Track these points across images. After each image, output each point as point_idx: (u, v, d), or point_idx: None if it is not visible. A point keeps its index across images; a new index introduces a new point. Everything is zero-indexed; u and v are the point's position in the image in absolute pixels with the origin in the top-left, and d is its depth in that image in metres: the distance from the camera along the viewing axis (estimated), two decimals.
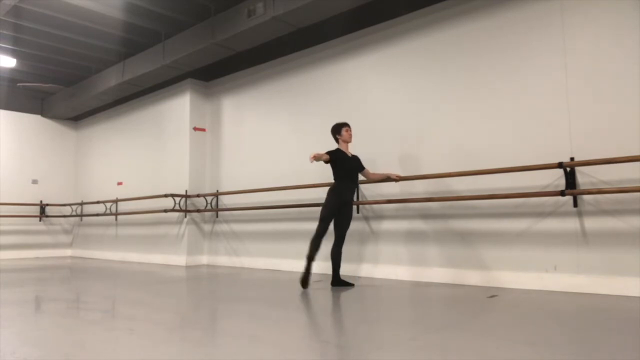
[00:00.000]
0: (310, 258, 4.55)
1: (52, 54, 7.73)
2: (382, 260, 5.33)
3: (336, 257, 4.70)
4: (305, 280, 4.54)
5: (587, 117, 4.07)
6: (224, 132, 7.67)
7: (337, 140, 4.87)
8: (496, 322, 3.03)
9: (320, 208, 4.76)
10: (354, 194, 4.90)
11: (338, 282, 4.68)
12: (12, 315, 3.43)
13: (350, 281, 4.80)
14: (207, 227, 7.72)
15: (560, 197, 4.11)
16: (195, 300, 4.37)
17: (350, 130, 4.86)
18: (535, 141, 4.32)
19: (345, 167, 4.74)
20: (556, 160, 4.08)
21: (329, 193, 4.70)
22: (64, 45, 7.37)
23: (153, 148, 8.45)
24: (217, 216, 7.55)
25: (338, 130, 4.86)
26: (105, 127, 9.82)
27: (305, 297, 4.23)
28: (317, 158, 4.50)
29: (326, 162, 4.67)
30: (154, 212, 7.82)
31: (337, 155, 4.71)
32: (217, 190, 7.56)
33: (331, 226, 4.69)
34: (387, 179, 5.00)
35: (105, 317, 3.50)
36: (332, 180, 4.81)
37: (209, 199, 7.53)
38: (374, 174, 5.01)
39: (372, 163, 5.20)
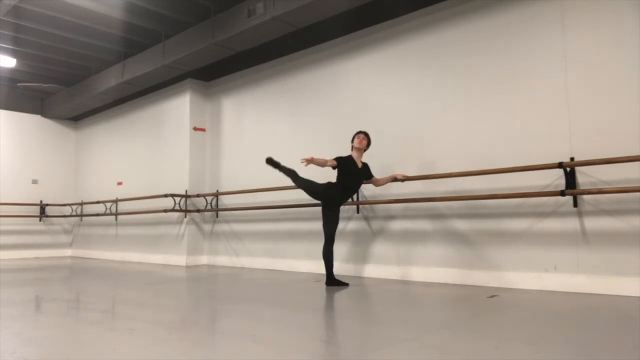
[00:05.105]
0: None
1: (52, 54, 7.73)
2: (382, 260, 5.33)
3: (328, 257, 4.70)
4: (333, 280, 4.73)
5: (587, 117, 4.07)
6: (223, 132, 7.67)
7: (351, 148, 4.86)
8: (496, 322, 3.03)
9: (320, 208, 4.77)
10: (346, 200, 4.94)
11: (332, 281, 4.68)
12: (12, 315, 3.42)
13: (346, 281, 4.81)
14: (207, 227, 7.72)
15: (560, 197, 4.11)
16: (195, 300, 4.36)
17: (362, 137, 4.80)
18: (536, 141, 4.32)
19: (352, 176, 4.72)
20: (556, 160, 4.08)
21: (329, 189, 4.70)
22: (64, 45, 7.37)
23: (153, 148, 8.45)
24: (217, 216, 7.55)
25: (353, 137, 4.87)
26: (105, 127, 9.82)
27: (305, 297, 4.24)
28: (317, 163, 4.48)
29: (333, 167, 4.66)
30: (154, 212, 7.82)
31: (346, 163, 4.70)
32: (217, 190, 7.56)
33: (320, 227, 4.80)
34: (394, 179, 4.98)
35: (105, 317, 3.50)
36: (335, 180, 4.79)
37: (209, 199, 7.53)
38: (380, 179, 4.98)
39: (372, 163, 5.18)
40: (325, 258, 4.70)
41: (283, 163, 4.76)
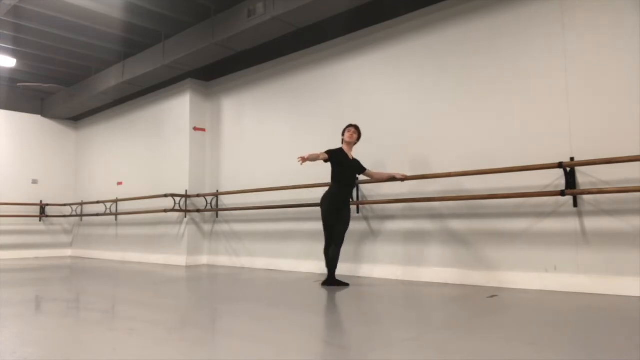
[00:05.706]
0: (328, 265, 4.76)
1: (52, 54, 7.73)
2: (382, 260, 5.33)
3: (333, 257, 4.71)
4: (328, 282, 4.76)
5: (587, 117, 4.07)
6: (223, 132, 7.67)
7: (342, 141, 4.91)
8: (496, 322, 3.03)
9: (320, 208, 4.79)
10: (349, 198, 4.91)
11: (332, 281, 4.69)
12: (13, 315, 3.42)
13: (346, 281, 4.81)
14: (207, 227, 7.72)
15: (560, 197, 4.11)
16: (195, 300, 4.37)
17: (353, 131, 4.86)
18: (536, 141, 4.32)
19: (344, 169, 4.75)
20: (556, 160, 4.08)
21: (324, 200, 4.73)
22: (64, 45, 7.37)
23: (153, 148, 8.45)
24: (217, 216, 7.55)
25: (343, 131, 4.92)
26: (105, 127, 9.82)
27: (305, 297, 4.24)
28: (311, 159, 4.52)
29: (325, 161, 4.68)
30: (154, 212, 7.82)
31: (337, 156, 4.72)
32: (217, 190, 7.56)
33: None
34: (392, 179, 4.99)
35: (105, 317, 3.50)
36: (331, 180, 4.81)
37: (209, 199, 7.53)
38: (377, 173, 5.02)
39: (372, 163, 5.19)
40: (331, 257, 4.71)
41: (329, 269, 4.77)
